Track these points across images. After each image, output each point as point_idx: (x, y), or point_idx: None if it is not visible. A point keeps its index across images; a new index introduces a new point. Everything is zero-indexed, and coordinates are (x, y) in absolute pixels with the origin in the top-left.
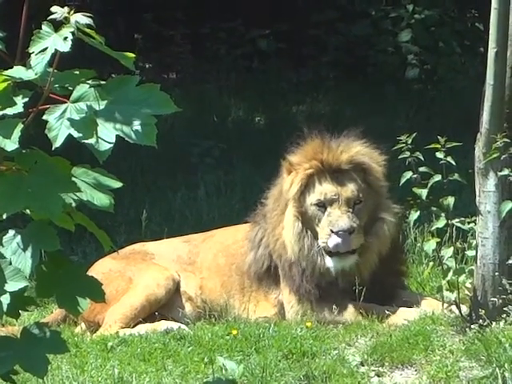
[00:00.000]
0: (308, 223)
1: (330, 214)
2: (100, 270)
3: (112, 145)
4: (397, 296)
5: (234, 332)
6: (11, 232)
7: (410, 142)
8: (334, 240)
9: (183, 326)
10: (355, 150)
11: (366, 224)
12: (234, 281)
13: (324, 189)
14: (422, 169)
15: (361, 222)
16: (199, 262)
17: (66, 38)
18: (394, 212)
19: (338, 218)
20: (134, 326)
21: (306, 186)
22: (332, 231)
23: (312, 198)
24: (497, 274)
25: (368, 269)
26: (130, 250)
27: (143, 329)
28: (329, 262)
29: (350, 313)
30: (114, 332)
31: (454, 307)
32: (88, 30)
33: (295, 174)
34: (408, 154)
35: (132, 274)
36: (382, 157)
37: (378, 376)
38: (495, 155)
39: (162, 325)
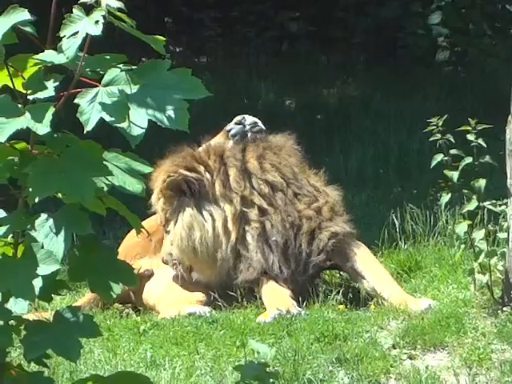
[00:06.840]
0: None
1: None
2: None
3: (144, 129)
4: None
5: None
6: (43, 216)
7: (440, 124)
8: None
9: (207, 309)
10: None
11: None
12: None
13: None
14: (453, 151)
15: None
16: None
17: (97, 22)
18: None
19: None
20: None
21: None
22: None
23: None
24: None
25: None
26: None
27: (170, 313)
28: None
29: None
30: None
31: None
32: (119, 14)
33: None
34: (439, 136)
35: None
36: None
37: (410, 359)
38: None
39: (185, 308)
